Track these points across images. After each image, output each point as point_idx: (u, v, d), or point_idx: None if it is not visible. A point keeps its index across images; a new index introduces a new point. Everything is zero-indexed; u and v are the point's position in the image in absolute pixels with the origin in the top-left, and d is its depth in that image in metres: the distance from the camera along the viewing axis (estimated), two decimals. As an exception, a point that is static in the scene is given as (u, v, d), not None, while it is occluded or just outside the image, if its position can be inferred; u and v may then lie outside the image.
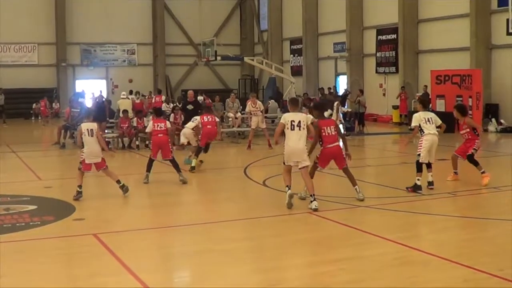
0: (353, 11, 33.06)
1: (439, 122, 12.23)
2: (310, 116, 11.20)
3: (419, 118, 12.04)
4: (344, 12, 33.38)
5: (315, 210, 10.08)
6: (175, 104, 23.32)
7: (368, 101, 27.67)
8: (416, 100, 26.58)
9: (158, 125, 13.47)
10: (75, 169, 11.87)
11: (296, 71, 37.84)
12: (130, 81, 32.58)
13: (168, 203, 11.73)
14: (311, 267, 7.45)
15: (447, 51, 27.94)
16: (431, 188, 11.88)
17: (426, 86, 27.15)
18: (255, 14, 43.87)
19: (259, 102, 20.92)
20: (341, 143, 11.39)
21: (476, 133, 12.71)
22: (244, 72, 43.35)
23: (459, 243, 8.57)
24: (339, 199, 11.09)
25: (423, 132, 11.97)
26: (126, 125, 20.44)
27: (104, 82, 40.48)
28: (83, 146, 11.77)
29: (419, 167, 11.89)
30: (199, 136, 15.17)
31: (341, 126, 17.95)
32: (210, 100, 27.12)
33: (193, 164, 14.83)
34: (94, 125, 11.88)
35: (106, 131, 21.29)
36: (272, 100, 26.30)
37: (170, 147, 13.50)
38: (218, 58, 31.62)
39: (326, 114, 16.25)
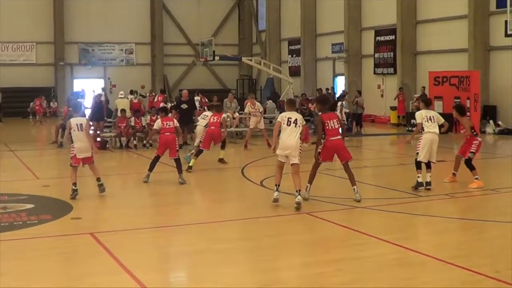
0: (351, 12, 33.07)
1: (442, 120, 12.31)
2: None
3: (421, 116, 12.17)
4: (343, 13, 33.38)
5: (298, 203, 10.13)
6: (173, 104, 23.34)
7: (366, 102, 27.68)
8: (414, 101, 26.71)
9: (167, 124, 13.49)
10: (72, 169, 11.85)
11: (294, 72, 37.85)
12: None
13: (165, 203, 11.73)
14: (308, 267, 7.45)
15: (445, 52, 27.96)
16: (429, 189, 11.90)
17: (424, 87, 27.16)
18: (253, 14, 43.87)
19: (258, 103, 20.95)
20: None
21: (475, 133, 12.73)
22: (242, 72, 43.34)
23: (457, 245, 8.58)
24: (336, 200, 11.09)
25: (423, 131, 12.07)
26: (124, 124, 20.41)
27: (102, 81, 40.47)
28: (72, 141, 11.73)
29: (418, 165, 12.00)
30: (202, 136, 15.28)
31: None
32: (206, 100, 27.13)
33: (190, 164, 14.84)
34: (83, 120, 11.82)
35: (104, 130, 21.29)
36: (270, 101, 26.29)
37: (177, 146, 13.55)
38: (216, 58, 31.59)
39: None
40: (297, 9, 37.31)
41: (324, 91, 30.80)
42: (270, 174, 13.82)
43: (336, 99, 23.81)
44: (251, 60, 33.79)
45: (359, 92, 26.88)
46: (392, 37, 30.92)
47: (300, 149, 10.53)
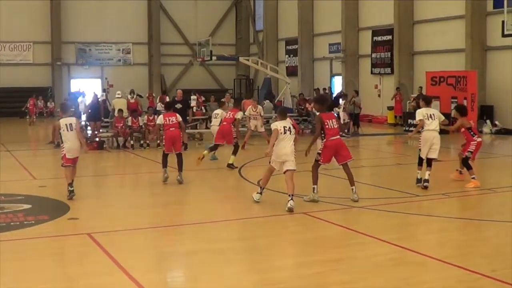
0: (348, 12, 33.09)
1: (442, 117, 12.58)
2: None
3: (421, 113, 12.34)
4: (340, 13, 33.40)
5: (290, 210, 10.11)
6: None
7: (363, 102, 27.66)
8: (411, 101, 26.74)
9: (169, 119, 13.39)
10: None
11: (292, 72, 37.86)
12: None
13: (162, 203, 11.72)
14: (305, 267, 7.45)
15: (442, 52, 28.00)
16: (426, 186, 11.97)
17: (421, 87, 27.18)
18: (250, 14, 43.87)
19: (259, 107, 20.75)
20: None
21: (472, 133, 12.79)
22: (240, 72, 43.35)
23: (454, 244, 8.60)
24: (334, 199, 11.10)
25: (423, 129, 12.25)
26: (121, 124, 20.39)
27: (99, 81, 40.46)
28: (62, 142, 11.68)
29: (419, 161, 12.34)
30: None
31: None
32: (203, 99, 27.12)
33: (204, 153, 15.23)
34: (73, 120, 11.75)
35: (101, 130, 21.28)
36: (267, 101, 26.30)
37: (182, 141, 13.58)
38: (214, 58, 31.54)
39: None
40: (294, 9, 37.33)
41: (321, 91, 30.83)
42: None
43: (334, 98, 23.79)
44: (248, 60, 33.78)
45: (356, 92, 26.89)
46: (389, 37, 30.95)
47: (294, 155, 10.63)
